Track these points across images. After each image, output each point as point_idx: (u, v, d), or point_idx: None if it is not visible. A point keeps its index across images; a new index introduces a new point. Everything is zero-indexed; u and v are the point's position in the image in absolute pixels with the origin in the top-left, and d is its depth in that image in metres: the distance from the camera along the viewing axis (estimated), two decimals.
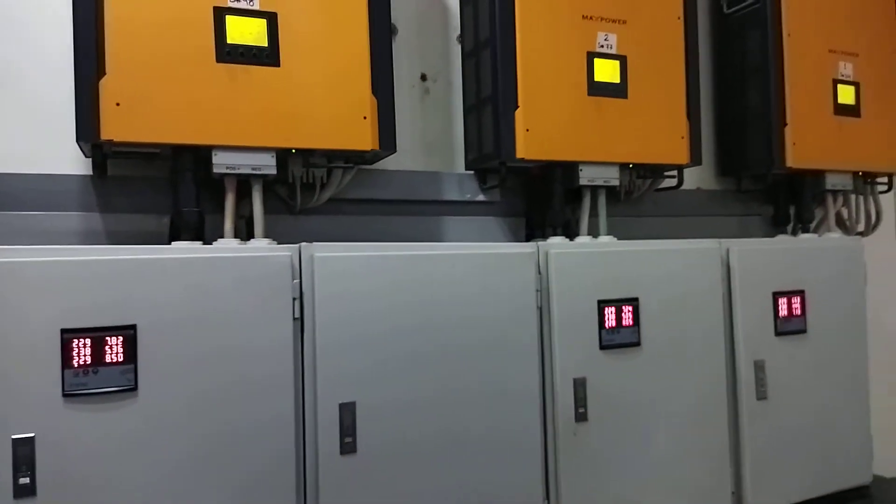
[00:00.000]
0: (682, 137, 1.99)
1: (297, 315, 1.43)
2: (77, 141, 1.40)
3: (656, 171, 2.11)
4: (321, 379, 1.43)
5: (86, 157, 1.54)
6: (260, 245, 1.51)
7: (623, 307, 1.75)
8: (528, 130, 1.78)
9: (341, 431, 1.42)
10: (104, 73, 1.37)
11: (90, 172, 1.56)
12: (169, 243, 1.49)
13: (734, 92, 2.37)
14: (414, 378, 1.52)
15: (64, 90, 1.51)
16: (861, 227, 2.58)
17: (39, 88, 1.56)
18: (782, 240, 2.28)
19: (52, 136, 1.55)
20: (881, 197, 2.57)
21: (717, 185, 2.43)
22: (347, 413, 1.43)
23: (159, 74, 1.41)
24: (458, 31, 2.05)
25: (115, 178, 1.58)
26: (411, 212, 1.91)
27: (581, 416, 1.68)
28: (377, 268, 1.51)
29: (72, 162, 1.57)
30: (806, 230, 2.35)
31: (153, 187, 1.61)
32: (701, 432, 1.86)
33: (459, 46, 2.05)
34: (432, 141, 2.02)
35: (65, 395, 1.24)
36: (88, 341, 1.26)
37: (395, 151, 1.67)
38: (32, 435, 1.21)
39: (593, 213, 1.95)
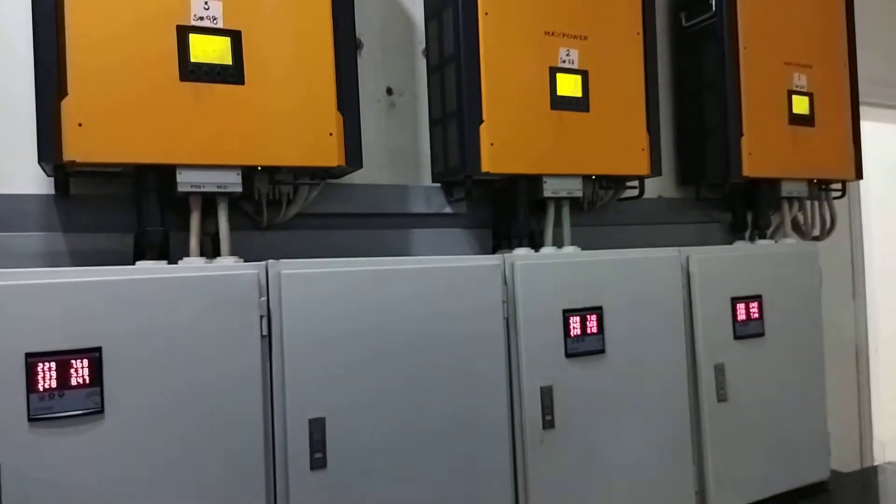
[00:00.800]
0: (643, 149, 2.05)
1: (265, 332, 1.44)
2: (39, 161, 1.39)
3: (618, 181, 2.17)
4: (290, 395, 1.44)
5: (47, 176, 1.53)
6: (226, 263, 1.51)
7: (587, 315, 1.79)
8: (492, 144, 1.81)
9: (311, 447, 1.43)
10: (66, 94, 1.36)
11: (52, 192, 1.55)
12: (134, 263, 1.48)
13: (693, 104, 2.44)
14: (382, 392, 1.54)
15: (22, 108, 1.51)
16: (816, 232, 2.68)
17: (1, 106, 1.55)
18: (740, 246, 2.35)
19: (12, 154, 1.54)
20: (835, 203, 2.66)
21: (677, 194, 2.50)
22: (317, 428, 1.44)
23: (122, 94, 1.41)
24: (423, 45, 2.08)
25: (77, 198, 1.57)
26: (379, 225, 1.93)
27: (548, 424, 1.72)
28: (344, 283, 1.52)
29: (33, 181, 1.56)
30: (763, 236, 2.43)
31: (116, 206, 1.60)
32: (664, 434, 1.92)
33: (424, 60, 2.08)
34: (398, 154, 2.04)
35: (30, 420, 1.23)
36: (53, 364, 1.25)
37: (361, 167, 1.69)
38: None
39: (557, 224, 1.99)
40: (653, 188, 2.35)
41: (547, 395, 1.71)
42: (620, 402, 1.84)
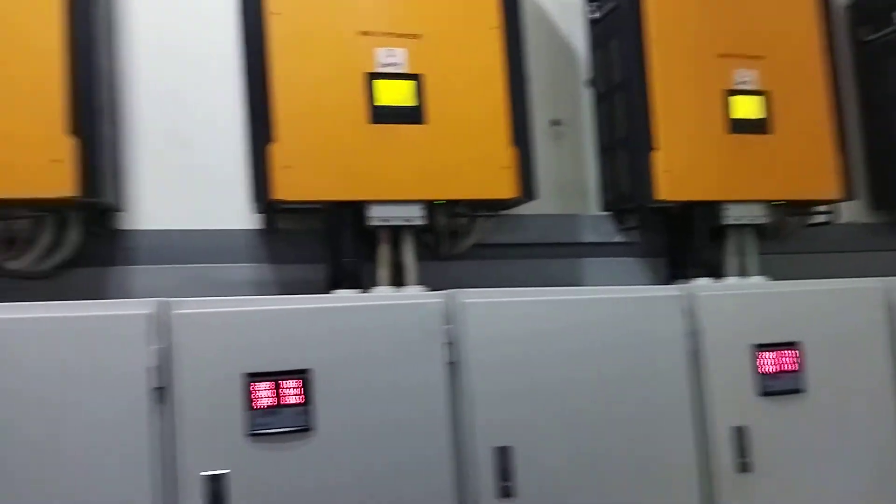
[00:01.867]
0: (833, 171, 1.91)
1: (450, 359, 1.48)
2: (255, 200, 1.55)
3: (807, 206, 2.03)
4: (475, 422, 1.47)
5: (255, 213, 1.70)
6: (413, 292, 1.59)
7: (783, 351, 1.67)
8: (666, 171, 1.77)
9: (498, 474, 1.45)
10: (274, 140, 1.51)
11: (258, 227, 1.73)
12: (328, 291, 1.60)
13: (881, 121, 2.24)
14: (566, 423, 1.52)
15: (231, 153, 1.71)
16: None
17: (212, 152, 1.75)
18: None
19: (224, 194, 1.73)
20: None
21: (870, 219, 2.29)
22: (503, 457, 1.46)
23: (320, 138, 1.54)
24: (586, 75, 2.09)
25: (279, 232, 1.73)
26: (550, 254, 1.94)
27: (744, 467, 1.61)
28: (523, 313, 1.54)
29: (240, 217, 1.74)
30: None
31: (312, 239, 1.74)
32: (873, 481, 1.73)
33: (588, 90, 2.09)
34: (565, 184, 2.05)
35: (249, 435, 1.35)
36: (268, 385, 1.37)
37: (535, 198, 1.71)
38: (226, 472, 1.32)
39: (739, 253, 1.90)
40: (844, 214, 2.18)
41: (741, 436, 1.61)
42: (823, 445, 1.69)
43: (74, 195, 1.36)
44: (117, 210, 1.59)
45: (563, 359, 1.54)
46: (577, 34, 2.10)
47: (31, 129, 1.35)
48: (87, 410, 1.27)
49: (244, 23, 1.55)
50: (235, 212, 1.72)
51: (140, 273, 1.63)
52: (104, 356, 1.29)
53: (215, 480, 1.32)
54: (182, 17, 1.75)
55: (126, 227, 1.66)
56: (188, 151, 1.73)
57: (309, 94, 1.54)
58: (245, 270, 1.70)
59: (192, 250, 1.67)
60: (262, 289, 1.70)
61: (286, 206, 1.54)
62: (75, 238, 1.53)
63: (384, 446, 1.42)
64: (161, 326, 1.33)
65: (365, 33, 1.58)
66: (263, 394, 1.37)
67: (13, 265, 1.51)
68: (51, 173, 1.34)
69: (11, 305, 1.26)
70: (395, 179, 1.58)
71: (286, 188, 1.50)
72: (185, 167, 1.73)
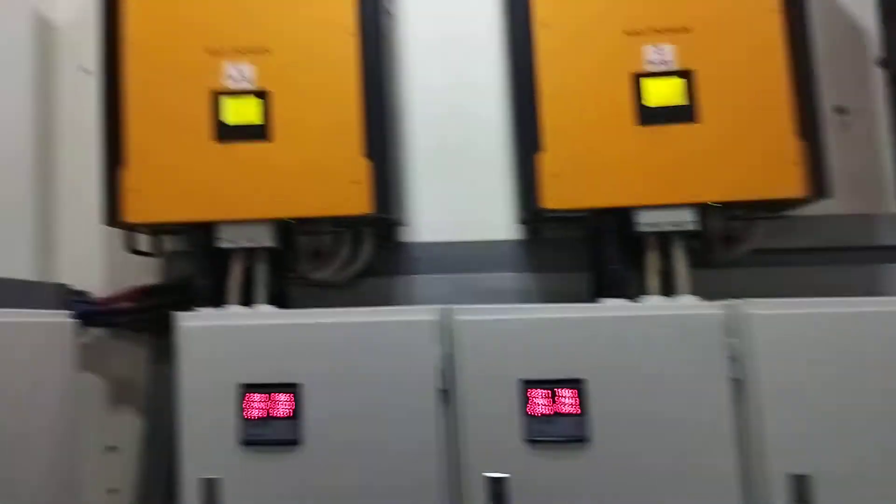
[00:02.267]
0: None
1: (736, 375, 1.38)
2: (521, 209, 1.60)
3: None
4: (765, 444, 1.34)
5: (519, 223, 1.75)
6: (687, 302, 1.51)
7: None
8: None
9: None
10: (542, 148, 1.53)
11: (522, 237, 1.78)
12: (591, 300, 1.58)
13: None
14: (873, 451, 1.33)
15: (495, 166, 1.77)
16: None
17: (478, 166, 1.84)
18: None
19: (490, 206, 1.81)
20: None
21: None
22: (800, 485, 1.32)
23: (588, 144, 1.53)
24: (878, 54, 1.82)
25: (541, 241, 1.76)
26: (839, 260, 1.72)
27: None
28: (816, 326, 1.37)
29: (505, 228, 1.80)
30: None
31: (575, 247, 1.74)
32: None
33: (881, 72, 1.82)
34: (855, 180, 1.80)
35: (527, 441, 1.38)
36: (544, 392, 1.39)
37: (828, 197, 1.53)
38: (507, 475, 1.38)
39: None
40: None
41: None
42: None
43: (370, 212, 1.51)
44: (401, 224, 1.74)
45: (861, 379, 1.35)
46: (866, 10, 1.84)
47: (334, 154, 1.53)
48: (382, 407, 1.41)
49: (511, 36, 1.60)
50: (500, 222, 1.79)
51: (420, 282, 1.77)
52: (396, 357, 1.42)
53: (495, 483, 1.38)
54: (448, 39, 1.88)
55: (408, 239, 1.81)
56: (457, 167, 1.84)
57: (575, 100, 1.54)
58: (510, 279, 1.76)
59: (461, 260, 1.78)
60: (525, 297, 1.75)
61: (553, 214, 1.56)
62: (368, 250, 1.71)
63: (661, 462, 1.37)
64: (444, 331, 1.43)
65: (631, 32, 1.54)
66: (540, 401, 1.39)
67: (318, 275, 1.73)
68: (351, 193, 1.51)
69: (325, 311, 1.45)
70: (664, 182, 1.51)
71: (554, 197, 1.52)
72: (454, 181, 1.84)
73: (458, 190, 1.84)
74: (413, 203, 1.84)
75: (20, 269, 1.75)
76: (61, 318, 1.40)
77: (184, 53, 1.57)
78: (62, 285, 1.77)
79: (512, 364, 1.41)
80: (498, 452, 1.39)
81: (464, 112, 1.86)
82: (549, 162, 1.53)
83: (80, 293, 1.82)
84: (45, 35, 1.88)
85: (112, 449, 1.85)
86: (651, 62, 1.55)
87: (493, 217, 1.80)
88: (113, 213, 1.55)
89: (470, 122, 1.85)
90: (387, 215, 1.55)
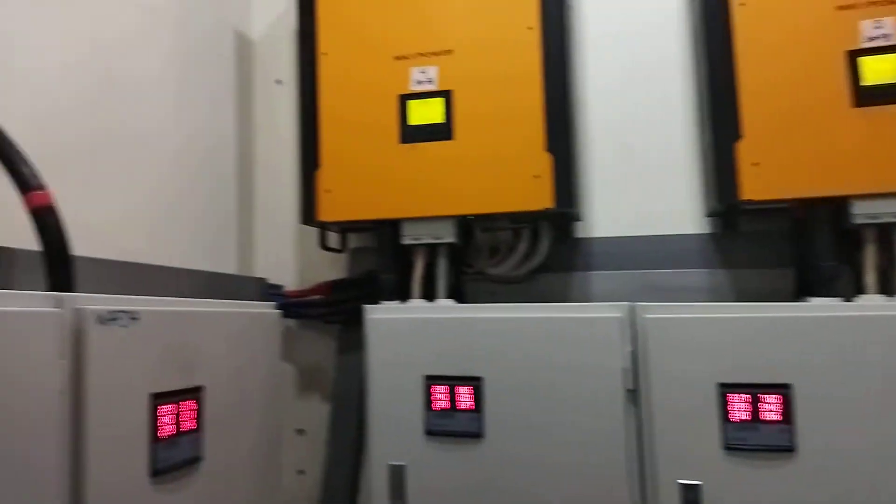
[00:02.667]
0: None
1: None
2: (714, 201, 1.50)
3: None
4: None
5: (708, 216, 1.65)
6: None
7: None
8: None
9: None
10: (741, 137, 1.43)
11: (711, 231, 1.68)
12: (795, 299, 1.45)
13: None
14: None
15: (677, 158, 1.69)
16: None
17: (658, 158, 1.76)
18: None
19: (672, 199, 1.73)
20: None
21: None
22: None
23: (793, 128, 1.40)
24: None
25: (734, 235, 1.64)
26: None
27: None
28: None
29: (690, 222, 1.71)
30: None
31: (772, 241, 1.61)
32: None
33: None
34: None
35: (725, 448, 1.30)
36: (745, 397, 1.30)
37: None
38: (699, 483, 1.30)
39: None
40: None
41: None
42: None
43: (551, 207, 1.49)
44: (578, 219, 1.71)
45: None
46: None
47: (518, 149, 1.53)
48: (569, 404, 1.38)
49: (705, 17, 1.51)
50: (685, 216, 1.70)
51: (597, 279, 1.72)
52: (581, 355, 1.39)
53: (690, 490, 1.31)
54: (630, 27, 1.81)
55: (584, 235, 1.77)
56: (636, 159, 1.77)
57: (779, 82, 1.42)
58: (697, 276, 1.66)
59: (643, 256, 1.70)
60: (716, 295, 1.64)
61: (751, 206, 1.44)
62: (546, 246, 1.69)
63: (869, 471, 1.23)
64: (631, 329, 1.37)
65: (845, 7, 1.39)
66: (740, 406, 1.30)
67: (496, 271, 1.74)
68: (533, 188, 1.50)
69: (509, 306, 1.46)
70: (887, 169, 1.35)
71: (754, 187, 1.41)
72: (633, 175, 1.77)
73: (639, 183, 1.76)
74: (591, 197, 1.79)
75: (228, 265, 1.93)
76: (268, 309, 1.52)
77: (373, 62, 1.65)
78: (261, 279, 1.93)
79: (708, 366, 1.32)
80: (692, 459, 1.31)
81: (646, 103, 1.78)
82: (748, 150, 1.42)
83: (276, 287, 1.97)
84: (243, 50, 2.06)
85: (301, 432, 1.99)
86: (867, 38, 1.39)
87: (678, 210, 1.71)
88: (309, 213, 1.67)
89: (652, 112, 1.77)
90: (568, 210, 1.52)
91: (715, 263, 1.66)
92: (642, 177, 1.76)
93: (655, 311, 1.36)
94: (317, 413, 1.98)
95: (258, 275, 2.01)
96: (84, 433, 0.94)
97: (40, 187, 1.06)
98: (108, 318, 0.99)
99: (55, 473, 0.89)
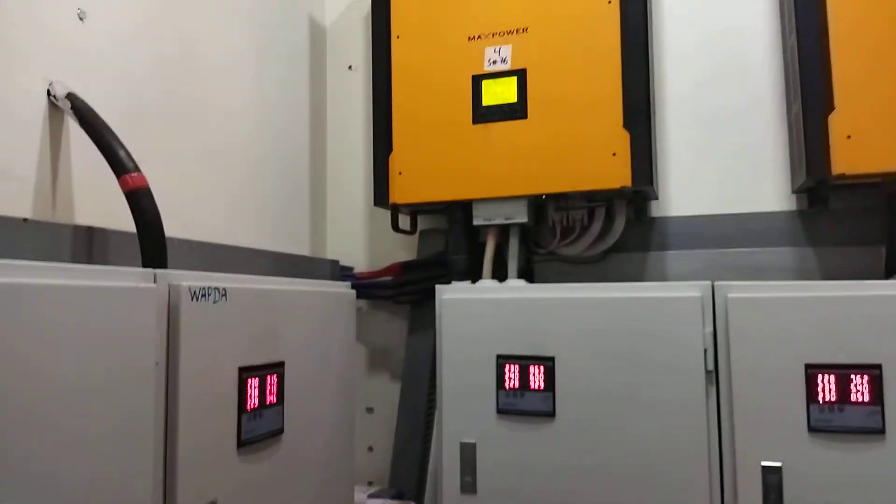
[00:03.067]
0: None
1: None
2: (803, 177, 1.43)
3: None
4: None
5: (793, 192, 1.59)
6: None
7: None
8: None
9: None
10: (833, 109, 1.36)
11: (794, 208, 1.61)
12: (886, 278, 1.38)
13: None
14: None
15: (759, 135, 1.62)
16: None
17: (745, 131, 1.69)
18: None
19: (754, 176, 1.66)
20: None
21: None
22: None
23: (889, 100, 1.33)
24: None
25: (822, 212, 1.57)
26: None
27: None
28: None
29: (774, 199, 1.64)
30: None
31: (863, 218, 1.54)
32: None
33: None
34: None
35: (810, 430, 1.25)
36: (833, 378, 1.25)
37: None
38: (779, 464, 1.26)
39: None
40: None
41: None
42: None
43: (628, 185, 1.46)
44: (654, 198, 1.67)
45: None
46: None
47: (592, 127, 1.50)
48: (645, 385, 1.36)
49: None
50: (768, 194, 1.64)
51: (672, 258, 1.68)
52: (658, 336, 1.36)
53: (772, 472, 1.27)
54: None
55: (659, 214, 1.73)
56: (716, 134, 1.71)
57: (874, 50, 1.34)
58: (780, 254, 1.60)
59: (722, 235, 1.65)
60: (801, 275, 1.57)
61: (843, 181, 1.38)
62: (620, 226, 1.66)
63: None
64: (711, 310, 1.33)
65: None
66: (827, 387, 1.25)
67: (568, 251, 1.72)
68: (610, 166, 1.48)
69: (582, 286, 1.45)
70: None
71: (846, 161, 1.34)
72: (713, 150, 1.72)
73: (719, 159, 1.70)
74: (667, 175, 1.75)
75: (302, 247, 1.98)
76: (345, 289, 1.55)
77: (446, 43, 1.64)
78: (335, 261, 1.97)
79: (794, 346, 1.27)
80: (775, 440, 1.27)
81: (727, 75, 1.71)
82: (841, 122, 1.35)
83: (347, 268, 2.01)
84: (316, 36, 2.09)
85: (370, 410, 2.03)
86: None
87: (760, 187, 1.65)
88: (382, 196, 1.69)
89: (734, 84, 1.70)
90: (645, 187, 1.49)
91: (801, 242, 1.59)
92: (723, 152, 1.70)
93: (739, 291, 1.32)
94: (386, 392, 2.01)
95: (330, 257, 2.05)
96: (176, 403, 0.98)
97: (135, 170, 1.11)
98: (200, 294, 1.03)
99: (150, 441, 0.94)
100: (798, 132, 1.46)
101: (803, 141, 1.39)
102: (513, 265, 1.65)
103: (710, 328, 1.33)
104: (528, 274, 1.76)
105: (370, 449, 2.02)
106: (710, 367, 1.33)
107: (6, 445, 0.74)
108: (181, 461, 0.99)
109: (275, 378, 1.22)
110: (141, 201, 1.09)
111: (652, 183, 1.50)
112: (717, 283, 1.34)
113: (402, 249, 1.99)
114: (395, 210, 1.75)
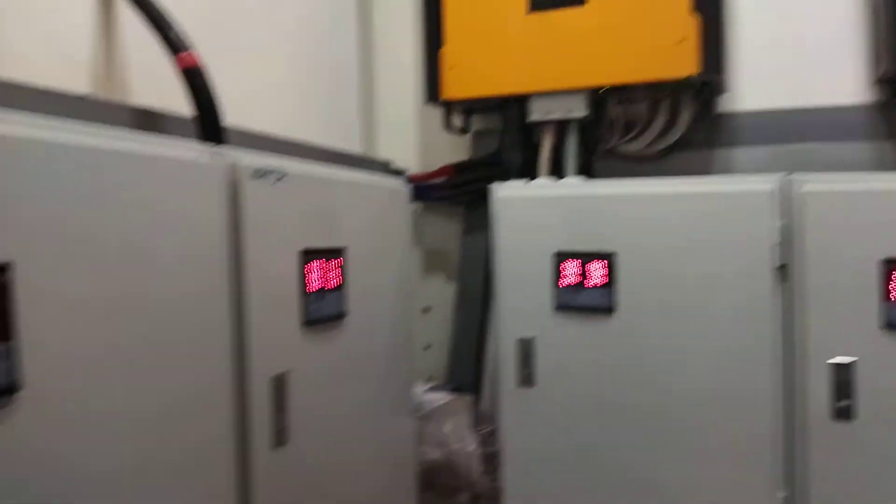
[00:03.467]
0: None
1: None
2: (885, 67, 1.33)
3: None
4: None
5: (875, 82, 1.48)
6: None
7: None
8: None
9: None
10: None
11: (875, 100, 1.51)
12: None
13: None
14: None
15: (840, 27, 1.51)
16: None
17: (817, 27, 1.57)
18: None
19: (831, 69, 1.55)
20: None
21: None
22: None
23: None
24: None
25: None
26: None
27: None
28: None
29: (852, 92, 1.53)
30: None
31: None
32: None
33: None
34: None
35: (885, 326, 1.20)
36: None
37: None
38: (853, 359, 1.23)
39: None
40: None
41: None
42: None
43: (697, 74, 1.38)
44: (723, 90, 1.57)
45: None
46: None
47: (657, 12, 1.41)
48: (710, 281, 1.32)
49: None
50: (846, 85, 1.53)
51: (741, 155, 1.60)
52: (726, 230, 1.31)
53: (843, 368, 1.23)
54: None
55: (728, 108, 1.64)
56: (792, 28, 1.59)
57: None
58: (857, 149, 1.50)
59: (794, 129, 1.56)
60: (878, 169, 1.48)
61: None
62: (686, 120, 1.58)
63: None
64: (783, 203, 1.27)
65: None
66: None
67: (630, 148, 1.66)
68: (676, 54, 1.39)
69: (643, 181, 1.39)
70: None
71: None
72: (789, 45, 1.60)
73: (793, 50, 1.59)
74: (737, 66, 1.64)
75: (354, 145, 1.96)
76: (400, 185, 1.53)
77: None
78: (387, 162, 1.95)
79: (870, 241, 1.21)
80: (847, 337, 1.23)
81: None
82: None
83: (400, 171, 1.99)
84: None
85: (426, 310, 2.04)
86: None
87: (837, 79, 1.54)
88: (433, 92, 1.64)
89: None
90: (715, 77, 1.40)
91: (880, 136, 1.49)
92: (797, 42, 1.58)
93: (812, 184, 1.25)
94: (441, 292, 2.02)
95: (382, 158, 2.03)
96: (244, 280, 0.99)
97: (188, 48, 1.08)
98: (260, 174, 1.03)
99: (226, 311, 0.96)
100: (883, 17, 1.34)
101: (890, 26, 1.28)
102: (571, 163, 1.60)
103: (780, 222, 1.27)
104: (587, 173, 1.70)
105: (428, 347, 2.04)
106: (780, 262, 1.28)
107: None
108: (252, 340, 1.01)
109: (337, 262, 1.22)
110: (195, 79, 1.08)
111: (721, 71, 1.41)
112: (789, 177, 1.27)
113: (456, 151, 1.94)
114: (448, 107, 1.70)
